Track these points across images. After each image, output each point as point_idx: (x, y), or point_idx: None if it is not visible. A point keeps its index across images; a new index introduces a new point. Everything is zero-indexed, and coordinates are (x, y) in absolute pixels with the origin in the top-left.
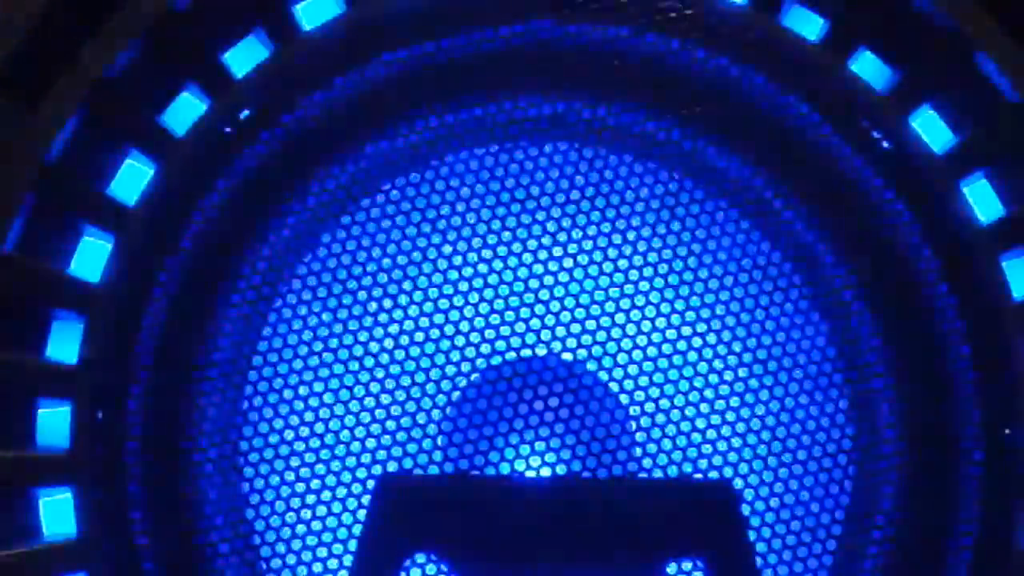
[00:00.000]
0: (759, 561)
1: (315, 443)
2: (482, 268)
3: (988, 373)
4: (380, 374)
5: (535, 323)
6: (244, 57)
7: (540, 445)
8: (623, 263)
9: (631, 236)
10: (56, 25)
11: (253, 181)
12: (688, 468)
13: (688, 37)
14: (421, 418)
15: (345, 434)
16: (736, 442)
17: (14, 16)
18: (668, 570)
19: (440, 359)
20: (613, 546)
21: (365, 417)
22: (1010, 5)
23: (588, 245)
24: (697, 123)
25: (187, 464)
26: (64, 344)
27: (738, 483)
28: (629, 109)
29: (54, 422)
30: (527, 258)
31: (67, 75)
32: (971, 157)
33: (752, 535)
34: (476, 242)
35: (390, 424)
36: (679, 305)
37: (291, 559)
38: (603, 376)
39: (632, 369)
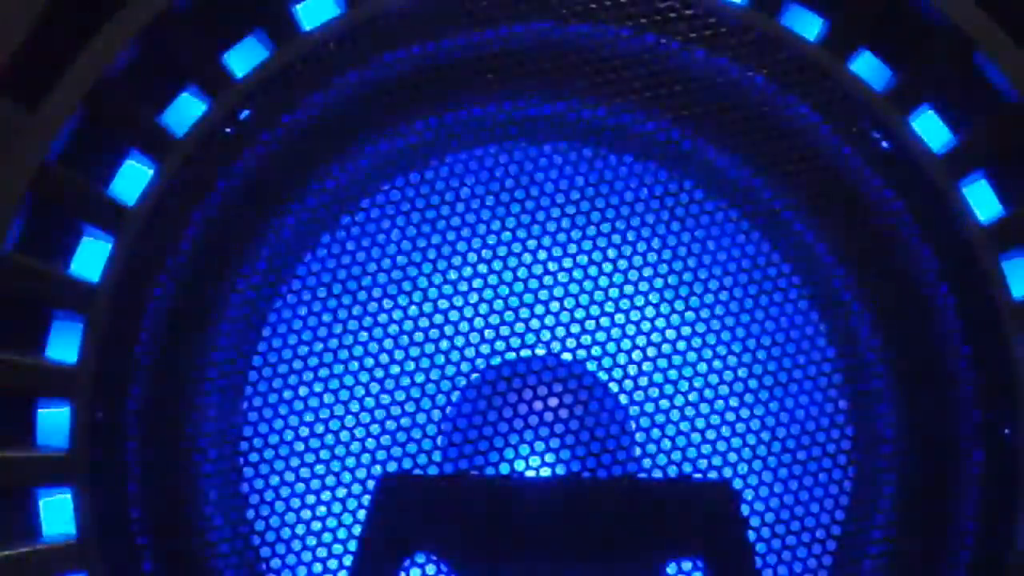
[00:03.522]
0: (759, 561)
1: (315, 443)
2: (482, 268)
3: (988, 373)
4: (380, 374)
5: (535, 323)
6: (244, 57)
7: (540, 445)
8: (623, 263)
9: (631, 236)
10: (56, 25)
11: (253, 181)
12: (688, 468)
13: (688, 37)
14: (421, 418)
15: (345, 434)
16: (736, 442)
17: (14, 16)
18: (668, 570)
19: (440, 359)
20: (613, 546)
21: (365, 417)
22: (1010, 5)
23: (588, 245)
24: (697, 123)
25: (187, 464)
26: (64, 344)
27: (738, 483)
28: (629, 109)
29: (54, 422)
30: (527, 258)
31: (67, 75)
32: (971, 157)
33: (752, 535)
34: (476, 242)
35: (390, 424)
36: (679, 305)
37: (291, 559)
38: (603, 376)
39: (632, 369)
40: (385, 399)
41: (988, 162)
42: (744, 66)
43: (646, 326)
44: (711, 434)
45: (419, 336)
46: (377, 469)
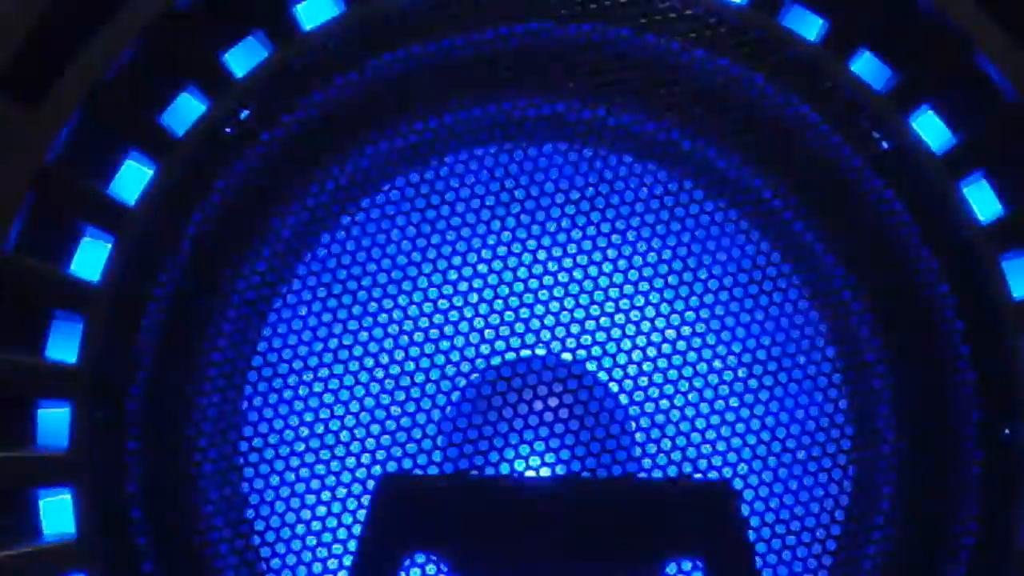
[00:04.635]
0: (759, 561)
1: (315, 443)
2: (482, 268)
3: (988, 373)
4: (380, 374)
5: (535, 323)
6: (244, 57)
7: (540, 445)
8: (623, 263)
9: (631, 236)
10: (56, 25)
11: (253, 181)
12: (688, 468)
13: (688, 37)
14: (421, 418)
15: (345, 434)
16: (736, 442)
17: (14, 16)
18: (668, 570)
19: (440, 359)
20: (613, 546)
21: (365, 417)
22: (1010, 5)
23: (588, 245)
24: (697, 123)
25: (187, 464)
26: (64, 344)
27: (738, 483)
28: (629, 109)
29: (54, 422)
30: (527, 258)
31: (67, 75)
32: (971, 157)
33: (752, 535)
34: (476, 242)
35: (390, 424)
36: (679, 305)
37: (291, 559)
38: (603, 376)
39: (632, 369)
40: (385, 399)
41: (988, 162)
42: (744, 66)
43: (646, 326)
44: (711, 434)
45: (419, 336)
46: (377, 469)
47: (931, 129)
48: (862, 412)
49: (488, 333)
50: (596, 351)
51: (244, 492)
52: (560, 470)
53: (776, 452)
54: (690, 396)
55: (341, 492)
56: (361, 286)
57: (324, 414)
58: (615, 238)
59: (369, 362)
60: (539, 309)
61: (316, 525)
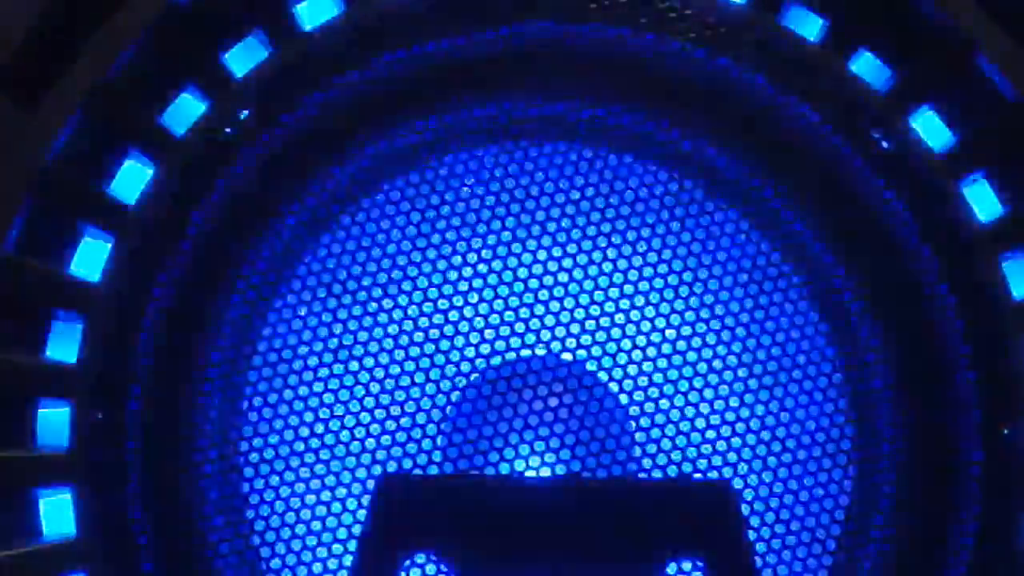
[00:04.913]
0: (759, 561)
1: (315, 443)
2: (482, 268)
3: (988, 373)
4: (380, 374)
5: (535, 323)
6: (244, 57)
7: (540, 445)
8: (623, 263)
9: (631, 236)
10: (56, 25)
11: (253, 181)
12: (688, 468)
13: (688, 37)
14: (421, 418)
15: (345, 434)
16: (736, 442)
17: (14, 16)
18: (668, 570)
19: (440, 359)
20: (613, 546)
21: (365, 417)
22: (1010, 5)
23: (588, 245)
24: (697, 123)
25: (187, 464)
26: (64, 344)
27: (738, 483)
28: (629, 109)
29: (54, 422)
30: (527, 258)
31: (67, 75)
32: (971, 157)
33: (752, 535)
34: (476, 242)
35: (390, 424)
36: (679, 305)
37: (291, 559)
38: (603, 376)
39: (632, 369)
40: (385, 399)
41: (988, 162)
42: (744, 66)
43: (646, 326)
44: (711, 434)
45: (419, 336)
46: (377, 469)
47: (931, 129)
48: (862, 412)
49: (488, 333)
50: (596, 351)
51: (244, 492)
52: (560, 470)
53: (776, 452)
54: (690, 396)
55: (341, 492)
56: (361, 286)
57: (324, 414)
58: (615, 238)
59: (369, 362)
60: (539, 309)
61: (316, 525)
